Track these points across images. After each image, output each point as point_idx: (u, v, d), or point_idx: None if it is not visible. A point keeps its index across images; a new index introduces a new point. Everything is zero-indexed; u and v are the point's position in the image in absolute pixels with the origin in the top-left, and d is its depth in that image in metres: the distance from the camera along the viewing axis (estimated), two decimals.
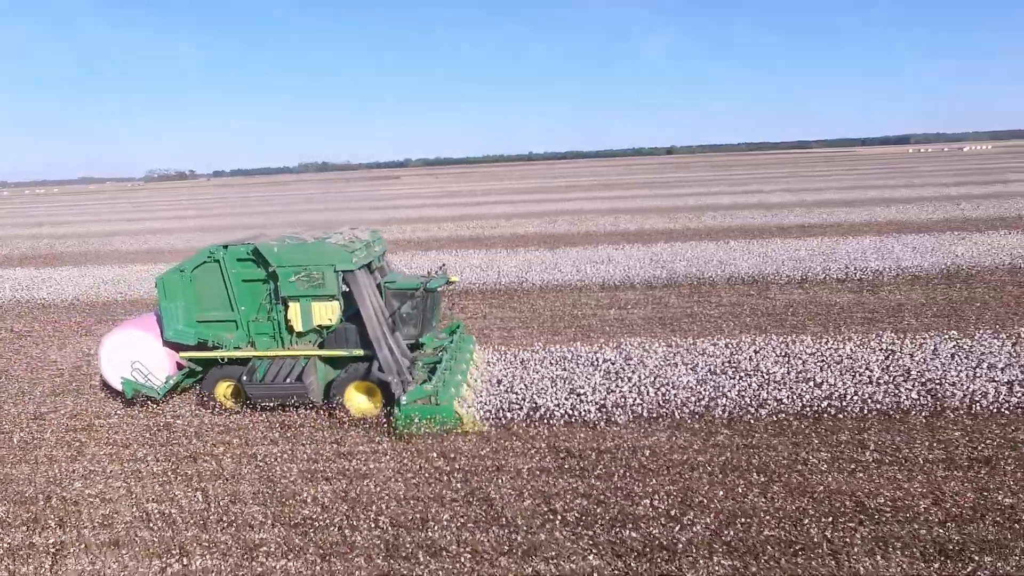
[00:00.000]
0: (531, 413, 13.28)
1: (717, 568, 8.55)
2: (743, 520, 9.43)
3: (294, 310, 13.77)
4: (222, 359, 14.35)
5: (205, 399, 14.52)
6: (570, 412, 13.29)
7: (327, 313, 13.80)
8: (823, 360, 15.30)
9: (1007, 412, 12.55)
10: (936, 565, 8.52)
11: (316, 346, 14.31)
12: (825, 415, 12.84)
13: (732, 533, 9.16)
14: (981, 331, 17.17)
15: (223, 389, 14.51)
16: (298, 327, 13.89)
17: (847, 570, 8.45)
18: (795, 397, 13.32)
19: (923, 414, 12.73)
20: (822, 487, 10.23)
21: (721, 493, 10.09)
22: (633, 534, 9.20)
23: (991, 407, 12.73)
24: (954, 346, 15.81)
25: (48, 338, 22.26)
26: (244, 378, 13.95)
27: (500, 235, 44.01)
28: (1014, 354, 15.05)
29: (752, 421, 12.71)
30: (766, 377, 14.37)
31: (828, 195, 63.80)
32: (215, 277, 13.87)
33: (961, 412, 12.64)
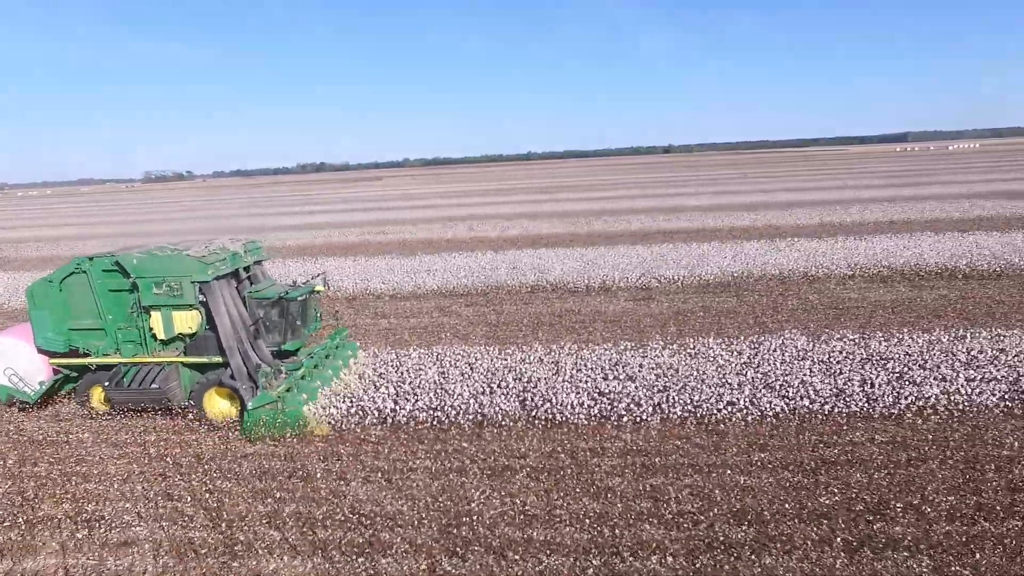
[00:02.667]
0: None
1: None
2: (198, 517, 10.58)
3: (156, 319, 14.49)
4: (92, 365, 14.95)
5: (81, 404, 15.31)
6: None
7: (187, 322, 14.49)
8: (486, 371, 16.15)
9: (579, 422, 13.58)
10: (330, 565, 9.54)
11: (181, 353, 14.92)
12: (428, 424, 13.86)
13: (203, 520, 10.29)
14: (655, 341, 18.10)
15: (97, 394, 15.17)
16: (160, 335, 14.59)
17: (249, 567, 9.51)
18: (408, 406, 14.28)
19: (517, 423, 13.74)
20: (322, 492, 11.38)
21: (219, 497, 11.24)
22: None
23: (572, 418, 13.73)
24: (612, 357, 16.73)
25: None
26: (107, 384, 14.57)
27: (384, 240, 45.25)
28: (643, 364, 15.99)
29: (350, 430, 13.82)
30: (408, 387, 15.33)
31: (752, 198, 64.47)
32: (83, 287, 14.52)
33: (537, 422, 13.67)
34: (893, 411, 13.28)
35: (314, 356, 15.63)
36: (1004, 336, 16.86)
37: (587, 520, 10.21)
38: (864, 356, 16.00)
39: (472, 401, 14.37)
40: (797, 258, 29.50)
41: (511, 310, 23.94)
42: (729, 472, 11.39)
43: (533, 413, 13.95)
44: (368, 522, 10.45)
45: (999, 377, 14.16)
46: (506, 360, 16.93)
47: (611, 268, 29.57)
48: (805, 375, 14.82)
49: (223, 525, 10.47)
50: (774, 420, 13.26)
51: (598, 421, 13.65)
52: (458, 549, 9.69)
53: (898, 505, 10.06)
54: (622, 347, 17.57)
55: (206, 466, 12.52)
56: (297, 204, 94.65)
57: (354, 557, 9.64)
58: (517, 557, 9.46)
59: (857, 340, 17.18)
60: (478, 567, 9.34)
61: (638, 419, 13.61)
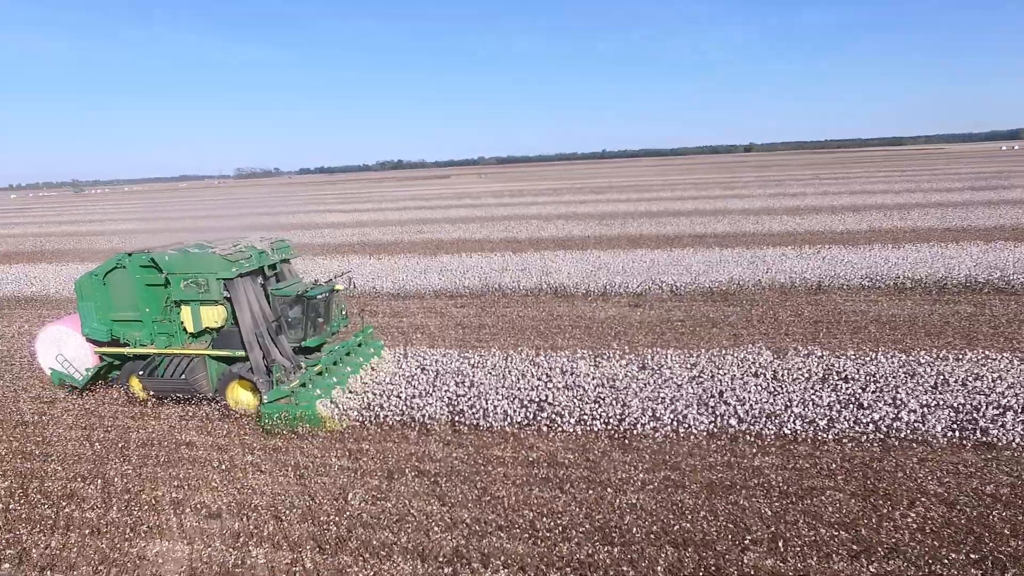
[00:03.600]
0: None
1: None
2: None
3: (186, 313, 15.31)
4: (131, 355, 15.97)
5: (124, 390, 16.42)
6: None
7: (214, 316, 15.20)
8: (434, 374, 16.31)
9: (500, 429, 13.69)
10: (206, 550, 10.17)
11: (208, 346, 15.70)
12: (358, 423, 14.38)
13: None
14: (616, 350, 17.75)
15: (136, 382, 16.10)
16: (190, 328, 15.40)
17: (136, 549, 10.30)
18: (343, 405, 14.78)
19: (440, 427, 14.02)
20: (231, 483, 12.16)
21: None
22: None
23: (496, 425, 13.82)
24: (564, 364, 16.57)
25: None
26: (141, 372, 15.69)
27: (417, 239, 46.48)
28: (589, 373, 15.78)
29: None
30: (356, 386, 15.88)
31: (808, 201, 61.14)
32: (124, 281, 15.47)
33: None
34: (824, 436, 12.57)
35: (334, 353, 16.09)
36: (992, 359, 15.45)
37: (445, 526, 10.38)
38: (822, 375, 15.14)
39: (405, 404, 14.70)
40: (816, 266, 27.89)
41: (501, 313, 24.12)
42: (614, 491, 11.15)
43: (458, 418, 14.15)
44: (258, 514, 11.00)
45: (957, 405, 13.06)
46: (461, 363, 17.12)
47: (617, 273, 29.05)
48: (748, 393, 14.20)
49: (126, 508, 11.33)
50: (694, 439, 12.83)
51: (518, 429, 13.67)
52: (324, 546, 10.09)
53: (766, 535, 9.60)
54: (578, 355, 17.40)
55: (144, 451, 13.53)
56: (355, 201, 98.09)
57: (229, 545, 10.23)
58: (368, 556, 9.76)
59: (824, 357, 16.24)
60: (332, 564, 9.69)
61: (560, 430, 13.54)
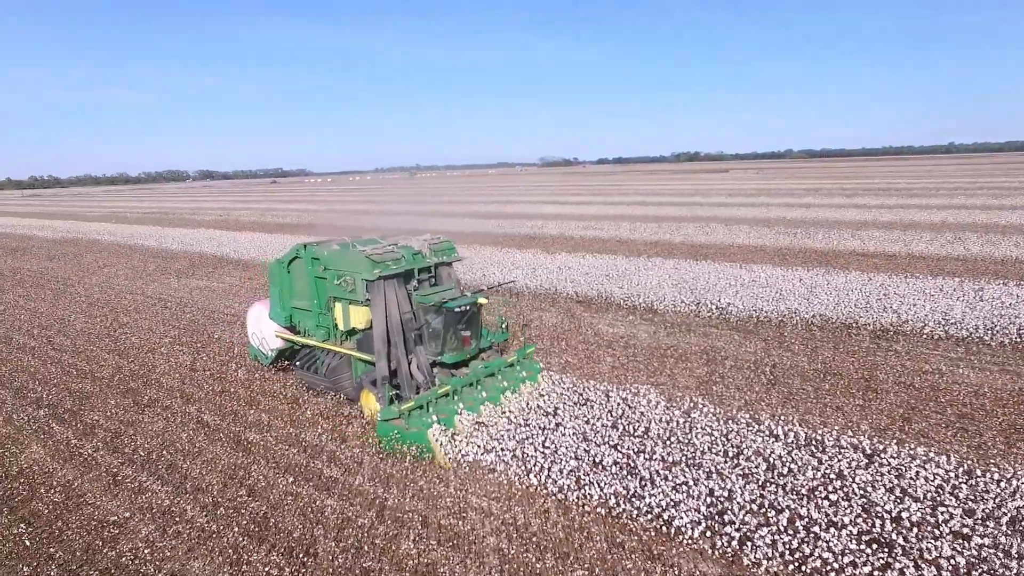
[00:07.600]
0: None
1: None
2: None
3: (338, 310, 14.62)
4: (298, 343, 16.05)
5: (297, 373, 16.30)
6: None
7: (360, 317, 14.22)
8: None
9: None
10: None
11: (355, 346, 14.76)
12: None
13: None
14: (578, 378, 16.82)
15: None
16: (341, 326, 14.67)
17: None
18: None
19: None
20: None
21: None
22: None
23: None
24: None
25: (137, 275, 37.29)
26: (297, 363, 15.98)
27: (571, 236, 46.94)
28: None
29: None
30: None
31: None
32: (301, 271, 15.18)
33: None
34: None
35: (475, 373, 14.11)
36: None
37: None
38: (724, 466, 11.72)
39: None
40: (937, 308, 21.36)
41: (517, 317, 24.07)
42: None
43: None
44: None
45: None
46: None
47: (712, 290, 25.90)
48: (592, 446, 12.20)
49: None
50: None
51: None
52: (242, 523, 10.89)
53: None
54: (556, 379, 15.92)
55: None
56: (592, 194, 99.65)
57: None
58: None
59: (765, 426, 13.03)
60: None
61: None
